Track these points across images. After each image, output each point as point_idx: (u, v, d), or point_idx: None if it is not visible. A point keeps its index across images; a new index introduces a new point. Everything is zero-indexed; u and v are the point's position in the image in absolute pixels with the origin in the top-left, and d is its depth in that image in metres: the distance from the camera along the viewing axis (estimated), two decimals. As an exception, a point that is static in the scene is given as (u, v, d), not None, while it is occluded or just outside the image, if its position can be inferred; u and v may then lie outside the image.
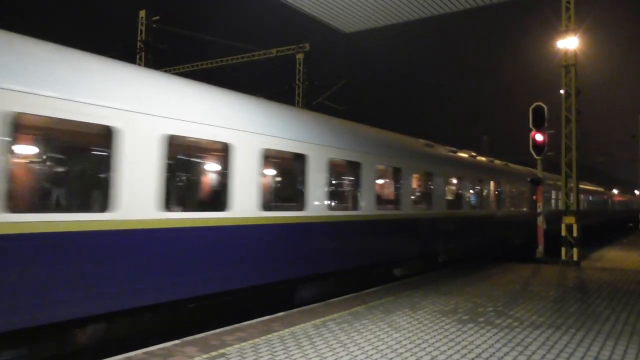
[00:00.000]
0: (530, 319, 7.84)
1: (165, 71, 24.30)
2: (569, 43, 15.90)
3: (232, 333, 6.74)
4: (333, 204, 9.87)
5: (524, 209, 21.15)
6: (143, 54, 24.28)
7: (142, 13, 25.32)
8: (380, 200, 11.26)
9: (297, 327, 7.14)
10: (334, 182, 9.94)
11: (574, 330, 7.20)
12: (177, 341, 6.24)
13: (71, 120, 5.56)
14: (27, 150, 5.83)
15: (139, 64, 23.40)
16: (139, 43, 24.61)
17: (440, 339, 6.61)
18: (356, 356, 5.84)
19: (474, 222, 16.13)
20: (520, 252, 18.47)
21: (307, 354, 5.88)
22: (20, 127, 5.21)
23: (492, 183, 17.79)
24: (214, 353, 5.86)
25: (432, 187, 13.43)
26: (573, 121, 15.99)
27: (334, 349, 6.11)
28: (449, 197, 14.48)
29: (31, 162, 5.89)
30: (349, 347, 6.17)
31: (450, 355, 5.94)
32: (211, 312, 7.86)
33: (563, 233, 15.87)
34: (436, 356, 5.90)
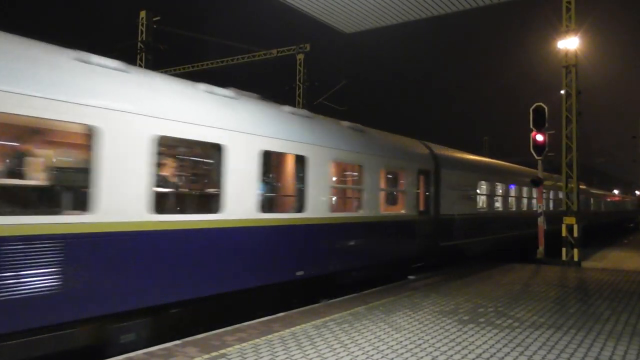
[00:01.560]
0: (530, 320, 7.84)
1: (165, 72, 24.34)
2: (570, 43, 15.91)
3: (232, 333, 6.74)
4: None
5: (402, 211, 12.27)
6: (144, 54, 24.30)
7: (143, 14, 25.35)
8: None
9: (298, 327, 7.14)
10: None
11: (575, 331, 7.20)
12: (177, 342, 6.25)
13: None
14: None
15: (140, 65, 23.42)
16: (139, 43, 24.62)
17: (441, 340, 6.61)
18: (357, 356, 5.84)
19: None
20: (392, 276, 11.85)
21: (308, 354, 5.88)
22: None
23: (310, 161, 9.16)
24: (214, 353, 5.87)
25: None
26: (574, 121, 15.99)
27: (335, 349, 6.11)
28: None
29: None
30: (349, 348, 6.18)
31: (451, 356, 5.93)
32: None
33: (564, 233, 15.88)
34: (437, 356, 5.90)
